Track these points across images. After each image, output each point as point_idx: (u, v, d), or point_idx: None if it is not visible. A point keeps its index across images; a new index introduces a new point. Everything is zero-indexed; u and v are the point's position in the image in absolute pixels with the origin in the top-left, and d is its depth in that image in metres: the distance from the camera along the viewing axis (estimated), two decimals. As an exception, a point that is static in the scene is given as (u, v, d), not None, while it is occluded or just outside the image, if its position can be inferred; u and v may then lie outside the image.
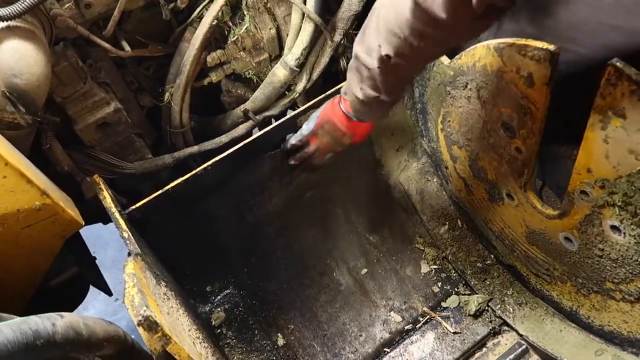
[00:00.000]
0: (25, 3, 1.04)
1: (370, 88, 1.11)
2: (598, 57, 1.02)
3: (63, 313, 0.76)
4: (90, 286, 1.68)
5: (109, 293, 1.72)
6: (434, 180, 1.71)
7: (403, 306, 1.60)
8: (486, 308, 1.55)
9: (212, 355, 1.22)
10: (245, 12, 1.48)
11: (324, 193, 1.68)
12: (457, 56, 1.28)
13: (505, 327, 1.52)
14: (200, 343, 1.18)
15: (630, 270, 1.10)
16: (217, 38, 1.55)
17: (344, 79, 1.49)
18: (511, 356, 1.44)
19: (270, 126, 1.44)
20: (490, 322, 1.53)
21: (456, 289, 1.62)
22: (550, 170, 1.43)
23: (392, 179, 1.75)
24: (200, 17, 1.46)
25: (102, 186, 1.28)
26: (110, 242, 2.67)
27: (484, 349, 1.50)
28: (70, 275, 1.51)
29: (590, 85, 0.93)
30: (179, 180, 1.33)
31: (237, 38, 1.51)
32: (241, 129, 1.62)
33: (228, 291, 1.59)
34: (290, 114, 1.47)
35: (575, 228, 1.17)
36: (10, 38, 1.08)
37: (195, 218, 1.47)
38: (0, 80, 1.07)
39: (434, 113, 1.52)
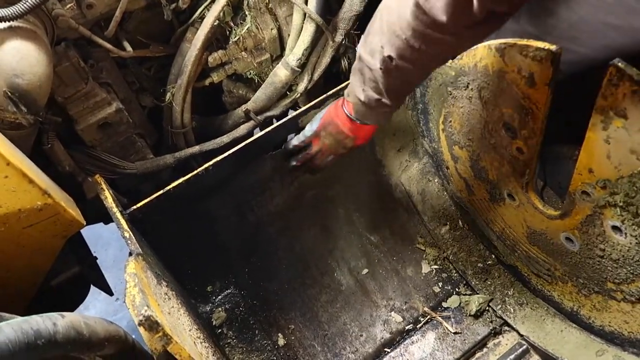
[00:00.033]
0: (27, 3, 1.04)
1: (373, 90, 1.11)
2: (599, 57, 1.02)
3: (64, 313, 0.76)
4: (91, 286, 1.68)
5: (110, 293, 1.72)
6: (435, 180, 1.71)
7: (404, 306, 1.60)
8: (487, 308, 1.55)
9: (213, 355, 1.22)
10: (246, 13, 1.48)
11: (325, 193, 1.68)
12: (459, 56, 1.28)
13: (506, 328, 1.52)
14: (201, 343, 1.18)
15: (631, 271, 1.09)
16: (218, 38, 1.55)
17: (345, 80, 1.50)
18: (512, 356, 1.44)
19: (272, 126, 1.44)
20: (491, 322, 1.53)
21: (457, 289, 1.62)
22: (552, 171, 1.43)
23: (393, 179, 1.75)
24: (201, 18, 1.46)
25: (104, 186, 1.28)
26: (111, 242, 2.68)
27: (485, 349, 1.50)
28: (72, 275, 1.51)
29: (592, 86, 0.93)
30: (180, 180, 1.33)
31: (239, 38, 1.51)
32: (242, 129, 1.62)
33: (229, 291, 1.59)
34: (292, 114, 1.47)
35: (576, 228, 1.17)
36: (12, 38, 1.08)
37: (196, 218, 1.48)
38: (2, 81, 1.08)
39: (436, 113, 1.52)
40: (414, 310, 1.60)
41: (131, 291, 0.88)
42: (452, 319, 1.56)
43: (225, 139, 1.60)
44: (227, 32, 1.53)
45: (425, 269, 1.67)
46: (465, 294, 1.60)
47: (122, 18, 1.35)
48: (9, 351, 0.64)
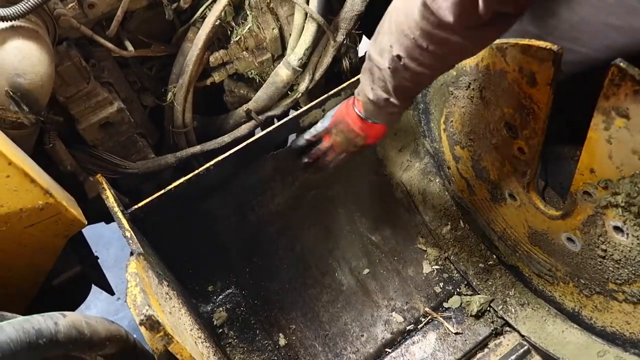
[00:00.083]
0: (29, 3, 1.05)
1: (381, 89, 1.12)
2: (601, 58, 1.02)
3: (65, 312, 0.76)
4: (93, 285, 1.68)
5: (111, 292, 1.73)
6: (437, 180, 1.70)
7: (405, 306, 1.60)
8: (488, 309, 1.55)
9: (214, 355, 1.22)
10: (248, 12, 1.48)
11: (326, 193, 1.68)
12: (460, 56, 1.28)
13: (507, 328, 1.52)
14: (202, 343, 1.18)
15: (633, 271, 1.09)
16: (219, 38, 1.55)
17: (347, 79, 1.50)
18: (513, 357, 1.44)
19: (273, 126, 1.44)
20: (492, 322, 1.53)
21: (458, 290, 1.62)
22: (553, 171, 1.43)
23: (394, 179, 1.75)
24: (203, 17, 1.46)
25: (105, 186, 1.28)
26: (112, 242, 2.68)
27: (486, 350, 1.50)
28: (73, 275, 1.51)
29: (594, 86, 0.93)
30: (181, 180, 1.33)
31: (240, 38, 1.51)
32: (244, 129, 1.62)
33: (230, 291, 1.59)
34: (293, 114, 1.47)
35: (577, 229, 1.17)
36: (14, 38, 1.08)
37: (198, 218, 1.48)
38: (4, 80, 1.08)
39: (437, 113, 1.52)
40: (415, 310, 1.59)
41: (132, 291, 0.88)
42: (453, 319, 1.56)
43: (226, 138, 1.60)
44: (229, 32, 1.53)
45: (427, 269, 1.67)
46: (467, 294, 1.60)
47: (124, 17, 1.35)
48: (10, 350, 0.64)
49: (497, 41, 1.12)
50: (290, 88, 1.63)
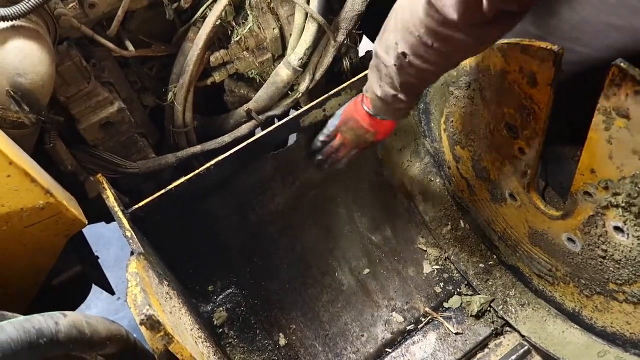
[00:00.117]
0: (30, 3, 1.05)
1: (389, 86, 1.13)
2: (602, 58, 1.02)
3: (66, 312, 0.76)
4: (93, 285, 1.68)
5: (112, 292, 1.73)
6: (437, 180, 1.70)
7: (405, 307, 1.60)
8: (488, 309, 1.55)
9: (214, 354, 1.22)
10: (248, 12, 1.48)
11: (327, 193, 1.68)
12: (461, 56, 1.28)
13: (508, 328, 1.51)
14: (202, 342, 1.18)
15: (633, 272, 1.09)
16: (220, 38, 1.55)
17: (347, 79, 1.50)
18: (513, 357, 1.44)
19: (274, 126, 1.44)
20: (493, 323, 1.53)
21: (458, 290, 1.62)
22: (554, 171, 1.43)
23: (395, 179, 1.75)
24: (203, 17, 1.46)
25: (106, 185, 1.28)
26: (113, 242, 2.68)
27: (486, 350, 1.50)
28: (73, 274, 1.51)
29: (594, 86, 0.93)
30: (182, 180, 1.33)
31: (241, 38, 1.51)
32: (244, 129, 1.62)
33: (230, 291, 1.59)
34: (294, 114, 1.47)
35: (578, 229, 1.17)
36: (15, 38, 1.08)
37: (198, 218, 1.48)
38: (5, 80, 1.08)
39: (437, 113, 1.52)
40: (416, 310, 1.59)
41: (133, 290, 0.88)
42: (454, 320, 1.56)
43: (227, 138, 1.60)
44: (229, 32, 1.53)
45: (427, 269, 1.67)
46: (467, 295, 1.60)
47: (125, 17, 1.35)
48: (11, 350, 0.64)
49: (498, 41, 1.12)
50: (290, 88, 1.63)
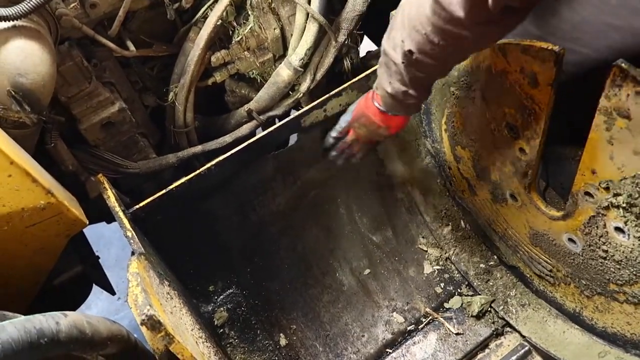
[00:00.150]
0: (31, 3, 1.05)
1: (399, 82, 1.14)
2: (602, 58, 1.02)
3: (67, 312, 0.76)
4: (94, 285, 1.68)
5: (112, 292, 1.73)
6: (438, 180, 1.70)
7: (405, 307, 1.60)
8: (489, 309, 1.55)
9: (215, 354, 1.22)
10: (249, 12, 1.48)
11: (327, 193, 1.68)
12: (461, 56, 1.28)
13: (508, 329, 1.51)
14: (202, 342, 1.18)
15: (634, 272, 1.09)
16: (221, 38, 1.55)
17: (348, 79, 1.50)
18: (514, 357, 1.44)
19: (274, 126, 1.45)
20: (493, 323, 1.53)
21: (459, 290, 1.62)
22: (555, 171, 1.43)
23: (395, 179, 1.75)
24: (204, 17, 1.46)
25: (107, 185, 1.28)
26: (113, 242, 2.68)
27: (487, 350, 1.50)
28: (74, 274, 1.51)
29: (595, 86, 0.93)
30: (182, 180, 1.33)
31: (242, 38, 1.51)
32: (245, 129, 1.62)
33: (231, 291, 1.59)
34: (294, 114, 1.47)
35: (579, 229, 1.17)
36: (16, 37, 1.08)
37: (199, 218, 1.48)
38: (6, 80, 1.08)
39: (438, 113, 1.52)
40: (416, 310, 1.59)
41: (133, 290, 0.88)
42: (454, 320, 1.55)
43: (227, 138, 1.60)
44: (230, 32, 1.53)
45: (427, 269, 1.67)
46: (467, 295, 1.60)
47: (126, 17, 1.35)
48: (12, 350, 0.64)
49: (499, 41, 1.12)
50: (291, 88, 1.63)
